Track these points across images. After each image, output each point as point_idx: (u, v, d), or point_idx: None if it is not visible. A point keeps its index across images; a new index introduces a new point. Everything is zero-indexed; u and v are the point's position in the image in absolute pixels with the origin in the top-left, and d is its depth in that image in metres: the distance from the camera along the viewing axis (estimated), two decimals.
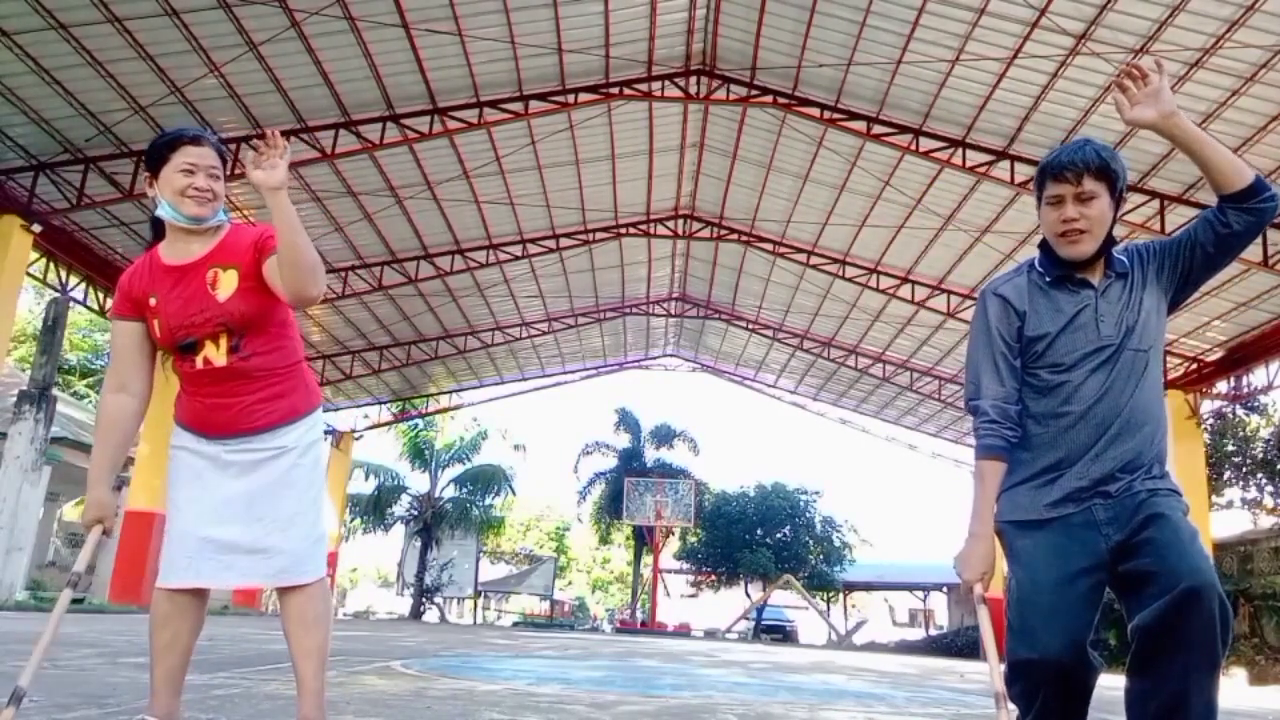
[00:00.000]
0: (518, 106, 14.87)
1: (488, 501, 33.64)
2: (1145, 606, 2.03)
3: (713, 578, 36.89)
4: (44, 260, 15.61)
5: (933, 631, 38.83)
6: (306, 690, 2.46)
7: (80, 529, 21.77)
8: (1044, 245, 2.35)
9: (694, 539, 35.85)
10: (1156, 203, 13.90)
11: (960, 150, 14.51)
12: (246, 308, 2.46)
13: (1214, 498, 20.11)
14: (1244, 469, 21.49)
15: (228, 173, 2.62)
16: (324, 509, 2.66)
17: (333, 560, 28.27)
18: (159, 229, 2.58)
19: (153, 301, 2.48)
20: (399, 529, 33.37)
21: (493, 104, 14.79)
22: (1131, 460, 2.19)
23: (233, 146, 13.39)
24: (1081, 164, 2.20)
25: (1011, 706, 2.18)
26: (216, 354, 2.47)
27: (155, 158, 2.49)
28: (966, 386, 2.39)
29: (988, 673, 2.25)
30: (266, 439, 2.50)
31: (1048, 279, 2.30)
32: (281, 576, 2.48)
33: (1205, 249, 2.25)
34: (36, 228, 13.61)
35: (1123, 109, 2.19)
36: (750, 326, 25.32)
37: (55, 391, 14.59)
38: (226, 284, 2.47)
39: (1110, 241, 2.28)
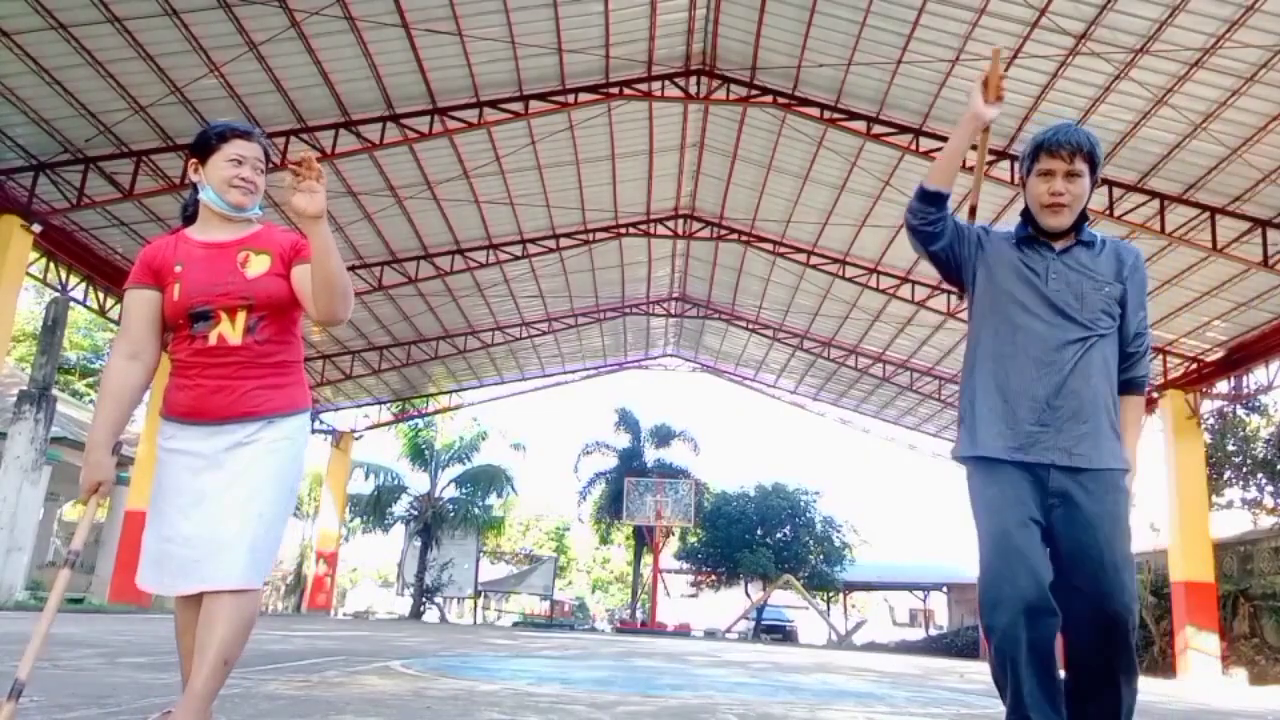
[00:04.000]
0: (518, 106, 14.87)
1: (488, 501, 33.63)
2: (1072, 616, 2.25)
3: (713, 578, 36.89)
4: (44, 260, 15.61)
5: (933, 631, 38.86)
6: (191, 691, 2.32)
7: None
8: (1025, 214, 2.57)
9: (694, 539, 35.84)
10: (1157, 203, 13.89)
11: None
12: (272, 291, 2.50)
13: (1214, 498, 20.10)
14: (1244, 469, 21.48)
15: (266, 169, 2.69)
16: (287, 514, 2.55)
17: (333, 560, 28.38)
18: (190, 215, 2.64)
19: (178, 269, 2.50)
20: (399, 529, 33.37)
21: (493, 104, 14.79)
22: (1077, 413, 2.37)
23: None
24: (1075, 144, 2.43)
25: None
26: (232, 332, 2.47)
27: (205, 146, 2.57)
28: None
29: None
30: (264, 428, 2.47)
31: (1013, 239, 2.56)
32: (220, 574, 2.35)
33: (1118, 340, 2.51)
34: (36, 228, 13.60)
35: None
36: (750, 326, 25.31)
37: (55, 391, 14.59)
38: (257, 265, 2.52)
39: (1083, 217, 2.52)
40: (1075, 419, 2.34)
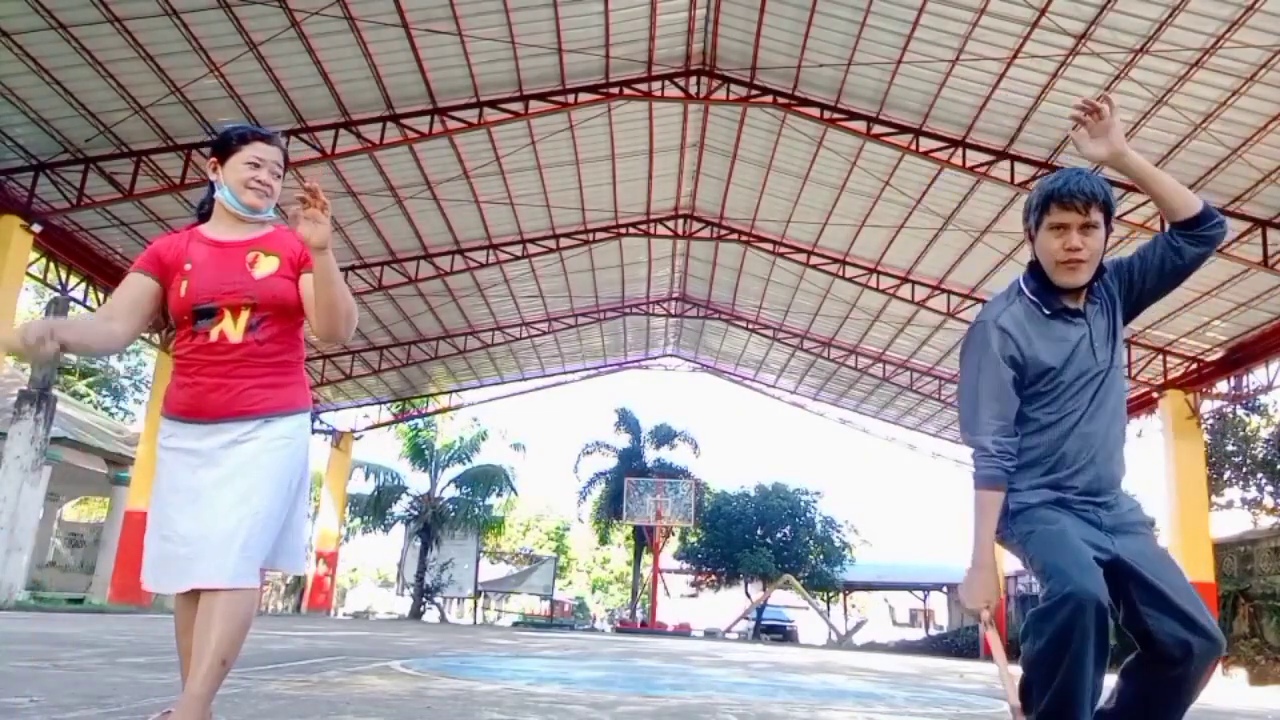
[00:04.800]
0: (518, 106, 14.87)
1: (488, 501, 33.63)
2: (1154, 644, 2.19)
3: (713, 578, 36.89)
4: (44, 260, 15.61)
5: (933, 631, 38.85)
6: (189, 692, 2.32)
7: (81, 530, 21.83)
8: (1034, 269, 2.39)
9: (694, 539, 35.84)
10: None
11: (960, 150, 14.51)
12: (277, 292, 2.53)
13: (1214, 498, 20.12)
14: (1244, 469, 21.51)
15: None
16: (298, 513, 2.54)
17: (333, 560, 28.38)
18: (205, 212, 2.68)
19: (187, 266, 2.53)
20: (399, 529, 33.37)
21: (493, 104, 14.79)
22: (1115, 474, 2.35)
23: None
24: (1089, 194, 2.25)
25: None
26: (234, 330, 2.48)
27: (225, 146, 2.59)
28: (963, 417, 2.42)
29: (988, 673, 2.29)
30: (260, 426, 2.47)
31: (1046, 311, 2.36)
32: (211, 572, 2.34)
33: (1152, 276, 2.36)
34: (36, 228, 13.61)
35: (1080, 144, 2.28)
36: (750, 326, 25.31)
37: (55, 391, 14.59)
38: (265, 266, 2.55)
39: (1100, 270, 2.35)
40: (1109, 488, 2.34)
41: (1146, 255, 2.35)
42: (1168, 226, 2.31)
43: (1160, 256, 2.32)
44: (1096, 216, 2.27)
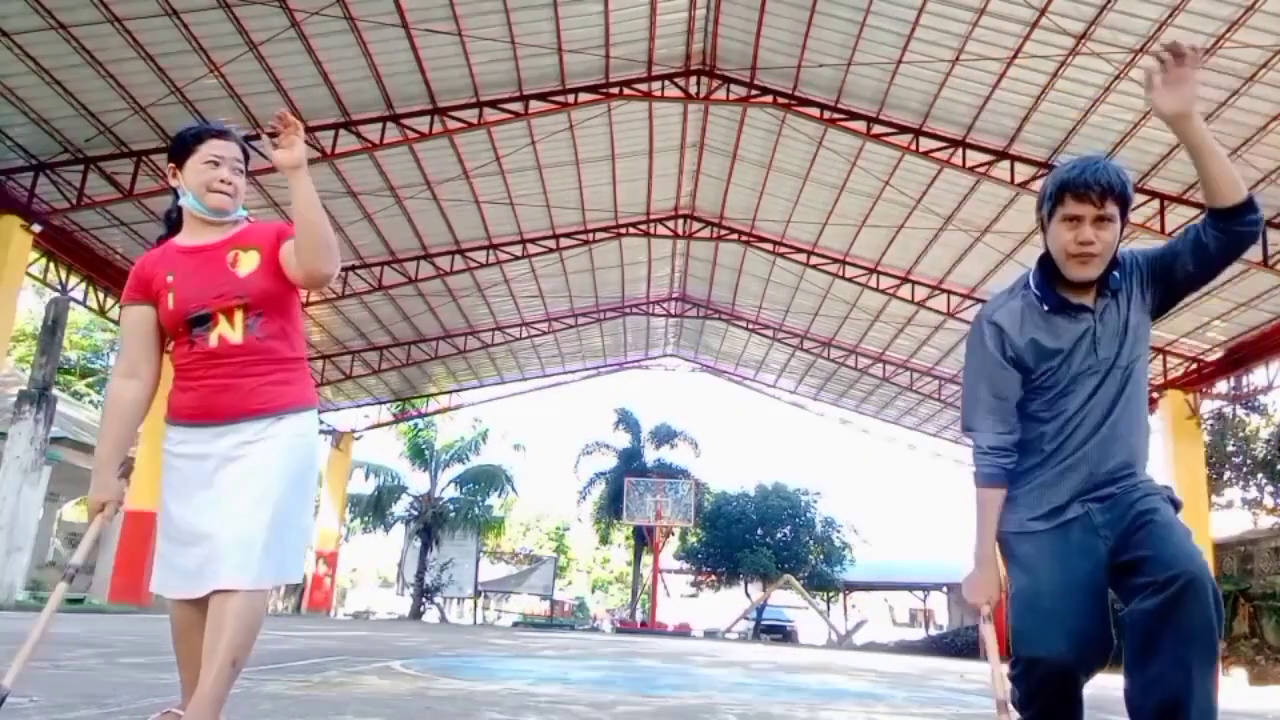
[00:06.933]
0: (518, 106, 14.87)
1: (488, 501, 33.64)
2: (1139, 593, 2.06)
3: (713, 578, 36.89)
4: (44, 260, 15.62)
5: (933, 631, 38.83)
6: (200, 694, 2.26)
7: (81, 530, 21.76)
8: (1043, 263, 2.30)
9: (694, 539, 35.85)
10: (1157, 203, 13.90)
11: (960, 150, 14.50)
12: (266, 285, 2.47)
13: (1214, 498, 20.10)
14: (1244, 469, 21.48)
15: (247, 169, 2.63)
16: (306, 515, 2.52)
17: (333, 560, 28.38)
18: (173, 224, 2.61)
19: (169, 279, 2.47)
20: (399, 529, 33.39)
21: (493, 104, 14.79)
22: (1121, 468, 2.25)
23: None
24: (1106, 186, 2.16)
25: (1014, 713, 2.23)
26: (233, 331, 2.44)
27: (182, 149, 2.52)
28: (964, 411, 2.40)
29: (988, 675, 2.30)
30: (273, 424, 2.43)
31: (1046, 306, 2.28)
32: (233, 574, 2.29)
33: (1186, 267, 2.23)
34: (36, 228, 13.62)
35: (1149, 90, 2.14)
36: (750, 326, 25.31)
37: (55, 391, 14.59)
38: (247, 263, 2.49)
39: (1113, 264, 2.25)
40: (1105, 484, 2.24)
41: (1176, 245, 2.25)
42: (1203, 218, 2.22)
43: (1188, 247, 2.21)
44: (1112, 210, 2.16)
